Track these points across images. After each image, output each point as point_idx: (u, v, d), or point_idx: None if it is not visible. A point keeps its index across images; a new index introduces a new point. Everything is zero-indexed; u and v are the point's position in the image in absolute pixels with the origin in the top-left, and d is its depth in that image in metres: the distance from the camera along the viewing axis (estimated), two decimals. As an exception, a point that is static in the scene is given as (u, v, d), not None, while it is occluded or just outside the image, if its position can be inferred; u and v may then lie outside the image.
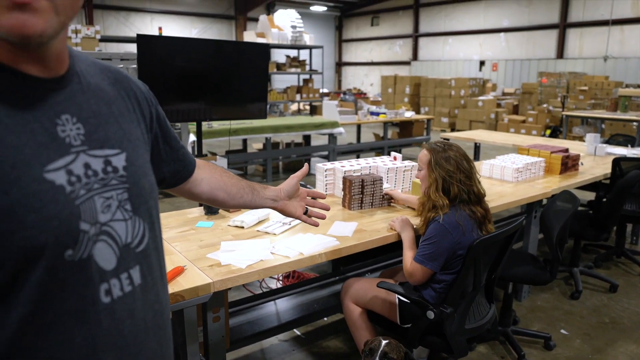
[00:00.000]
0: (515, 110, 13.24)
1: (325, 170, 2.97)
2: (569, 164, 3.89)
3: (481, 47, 17.48)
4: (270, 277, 3.60)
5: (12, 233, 0.65)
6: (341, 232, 2.30)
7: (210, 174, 1.22)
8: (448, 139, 6.56)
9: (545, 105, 12.40)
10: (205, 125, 6.63)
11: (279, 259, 1.98)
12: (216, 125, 6.66)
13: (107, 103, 0.83)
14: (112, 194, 0.77)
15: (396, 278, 2.46)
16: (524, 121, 12.13)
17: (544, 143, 4.75)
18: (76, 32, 7.27)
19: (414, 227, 2.32)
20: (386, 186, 2.96)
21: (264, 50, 4.18)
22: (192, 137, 6.07)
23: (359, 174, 2.93)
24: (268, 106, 13.86)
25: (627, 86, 12.60)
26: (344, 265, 3.39)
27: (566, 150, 3.99)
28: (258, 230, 2.32)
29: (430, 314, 2.04)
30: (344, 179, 2.71)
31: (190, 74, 3.85)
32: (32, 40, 0.67)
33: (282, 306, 2.87)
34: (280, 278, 3.63)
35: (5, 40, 0.66)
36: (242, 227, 2.35)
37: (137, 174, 0.83)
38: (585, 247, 4.49)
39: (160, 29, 10.56)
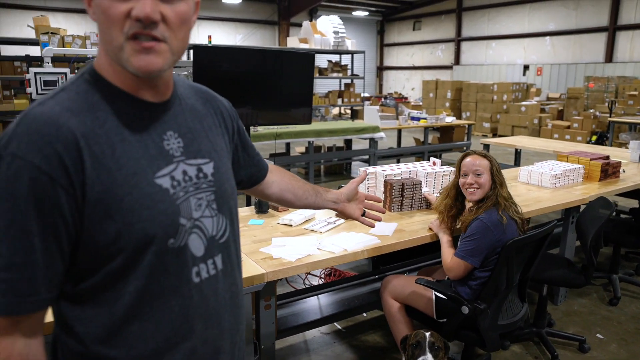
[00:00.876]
0: (560, 115, 13.01)
1: (368, 174, 3.14)
2: (609, 171, 3.92)
3: (525, 51, 17.22)
4: (312, 274, 3.80)
5: (133, 224, 0.87)
6: (382, 231, 2.47)
7: (280, 177, 1.41)
8: (488, 145, 6.61)
9: (591, 111, 12.13)
10: (251, 129, 6.91)
11: (325, 254, 2.17)
12: (262, 129, 6.93)
13: (199, 120, 1.04)
14: (202, 195, 0.98)
15: (433, 276, 2.61)
16: (568, 127, 11.91)
17: (585, 150, 4.77)
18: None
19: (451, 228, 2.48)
20: (425, 190, 3.11)
21: (310, 58, 4.40)
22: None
23: (400, 177, 3.09)
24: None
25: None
26: (384, 264, 3.55)
27: (607, 157, 4.02)
28: (305, 229, 2.52)
29: (465, 309, 2.18)
30: (385, 182, 2.88)
31: (239, 81, 4.10)
32: (153, 74, 0.89)
33: (324, 301, 3.06)
34: (322, 276, 3.82)
35: (132, 73, 0.88)
36: (290, 225, 2.55)
37: (221, 180, 1.03)
38: (627, 255, 4.49)
39: (209, 37, 10.97)
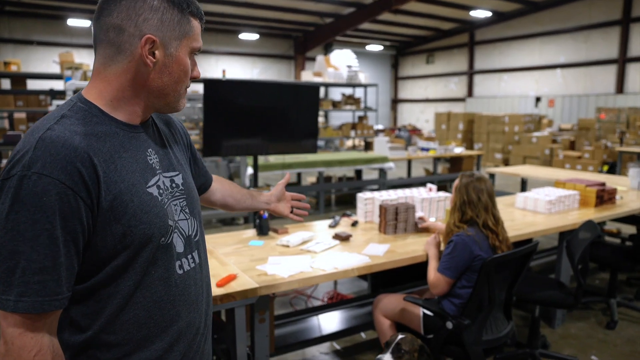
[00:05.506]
0: (572, 146, 13.06)
1: (365, 199, 3.31)
2: (605, 197, 4.02)
3: (537, 83, 17.39)
4: (314, 297, 3.93)
5: (137, 226, 1.05)
6: (374, 252, 2.63)
7: (221, 185, 1.62)
8: (493, 174, 6.72)
9: (603, 141, 12.18)
10: (262, 159, 7.16)
11: (316, 271, 2.32)
12: (272, 159, 7.17)
13: (166, 139, 1.24)
14: (177, 202, 1.17)
15: (423, 296, 2.74)
16: (579, 157, 11.95)
17: (587, 177, 4.87)
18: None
19: (440, 244, 2.62)
20: (420, 214, 3.26)
21: (314, 91, 4.64)
22: (250, 170, 6.60)
23: (396, 202, 3.25)
24: (324, 142, 14.44)
25: (692, 121, 12.17)
26: (383, 287, 3.67)
27: (603, 184, 4.13)
28: (302, 249, 2.68)
29: (449, 324, 2.31)
30: (380, 206, 3.04)
31: (248, 112, 4.34)
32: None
33: (324, 320, 3.19)
34: (325, 299, 3.95)
35: (170, 110, 1.19)
36: (288, 246, 2.72)
37: (189, 188, 1.23)
38: (629, 281, 4.53)
39: (224, 71, 11.38)
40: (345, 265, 2.40)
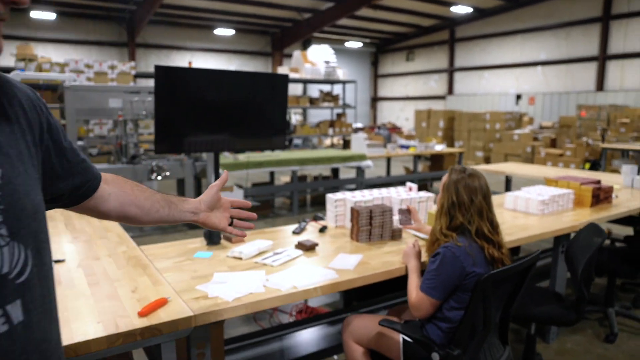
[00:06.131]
0: (553, 143, 12.83)
1: (335, 201, 2.87)
2: (601, 196, 3.66)
3: (518, 80, 17.20)
4: (282, 311, 3.48)
5: None
6: (343, 265, 2.19)
7: (119, 188, 1.13)
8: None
9: (584, 139, 11.98)
10: (231, 157, 6.68)
11: (270, 292, 1.87)
12: (242, 157, 6.69)
13: None
14: None
15: (403, 316, 2.31)
16: (561, 155, 11.73)
17: (576, 174, 4.51)
18: (112, 67, 7.54)
19: (421, 254, 2.19)
20: (397, 218, 2.83)
21: (283, 80, 4.19)
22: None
23: (370, 204, 2.82)
24: (301, 140, 13.99)
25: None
26: (358, 300, 3.24)
27: (598, 182, 3.76)
28: (256, 262, 2.23)
29: (436, 356, 1.88)
30: (352, 209, 2.61)
31: (208, 104, 3.87)
32: None
33: (288, 343, 2.75)
34: (294, 313, 3.50)
35: None
36: (240, 259, 2.26)
37: (15, 193, 0.73)
38: (623, 286, 4.18)
39: (190, 63, 10.84)
40: (306, 283, 1.95)
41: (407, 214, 2.65)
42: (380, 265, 2.22)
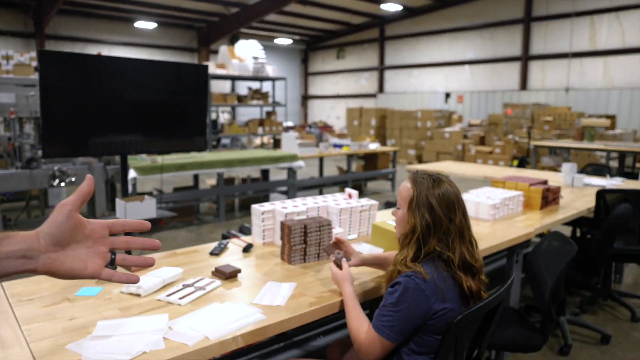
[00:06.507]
0: (482, 141, 13.04)
1: (262, 213, 2.39)
2: (550, 197, 3.43)
3: (446, 79, 17.45)
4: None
5: None
6: (272, 298, 1.72)
7: None
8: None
9: (511, 136, 12.23)
10: (148, 159, 6.01)
11: (173, 349, 1.37)
12: (161, 159, 6.03)
13: None
14: None
15: (347, 357, 1.87)
16: (491, 152, 11.89)
17: (519, 174, 4.31)
18: (7, 58, 6.61)
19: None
20: (338, 231, 2.40)
21: (202, 71, 3.64)
22: (133, 173, 5.43)
23: (304, 216, 2.37)
24: (229, 140, 13.34)
25: (589, 116, 12.58)
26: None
27: (545, 182, 3.53)
28: (158, 300, 1.71)
29: (392, 417, 1.46)
30: (282, 224, 2.14)
31: (115, 99, 3.27)
32: None
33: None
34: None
35: None
36: (139, 295, 1.73)
37: None
38: (568, 290, 4.01)
39: (99, 53, 9.90)
40: (223, 330, 1.47)
41: (335, 249, 1.91)
42: (317, 296, 1.77)
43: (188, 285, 1.80)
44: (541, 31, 14.99)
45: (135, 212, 3.25)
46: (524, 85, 15.35)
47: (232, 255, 2.23)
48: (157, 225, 6.33)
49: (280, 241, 2.17)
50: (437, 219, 1.54)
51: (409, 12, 17.71)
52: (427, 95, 17.81)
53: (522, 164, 11.35)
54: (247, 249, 2.27)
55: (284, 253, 2.14)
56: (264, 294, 1.75)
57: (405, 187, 1.65)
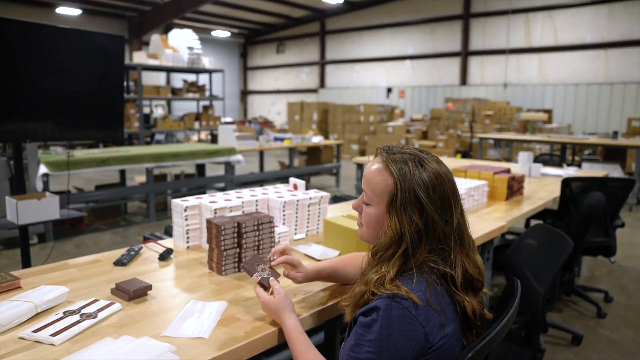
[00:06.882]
0: (425, 135, 12.96)
1: (185, 209, 1.87)
2: (515, 187, 3.11)
3: (388, 74, 17.34)
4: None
5: None
6: (192, 327, 1.22)
7: None
8: (361, 164, 5.67)
9: (453, 131, 12.21)
10: (63, 153, 5.28)
11: None
12: (80, 154, 5.33)
13: None
14: None
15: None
16: (434, 146, 11.81)
17: (480, 163, 4.01)
18: None
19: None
20: (282, 230, 1.93)
21: (117, 42, 3.06)
22: (44, 169, 4.71)
23: (240, 212, 1.88)
24: (164, 136, 12.52)
25: (528, 110, 12.80)
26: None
27: (508, 170, 3.23)
28: (21, 338, 1.17)
29: None
30: (209, 222, 1.64)
31: (7, 77, 2.63)
32: None
33: None
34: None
35: None
36: (-7, 330, 1.19)
37: None
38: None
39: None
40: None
41: (258, 264, 1.36)
42: (257, 319, 1.29)
43: (71, 313, 1.27)
44: (480, 27, 15.14)
45: (31, 212, 2.63)
46: (464, 80, 15.47)
47: (145, 265, 1.71)
48: (76, 227, 5.60)
49: (207, 244, 1.67)
50: (430, 222, 1.08)
51: (350, 6, 17.46)
52: (369, 90, 17.64)
53: (466, 157, 11.33)
54: (165, 256, 1.75)
55: (212, 260, 1.64)
56: (181, 321, 1.26)
57: (377, 173, 1.15)
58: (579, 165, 7.52)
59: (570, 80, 13.64)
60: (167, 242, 1.96)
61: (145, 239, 2.27)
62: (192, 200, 1.92)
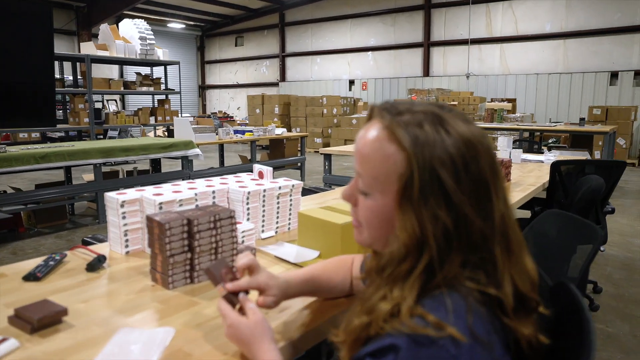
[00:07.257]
0: (390, 127, 12.77)
1: (121, 204, 1.47)
2: (503, 172, 2.82)
3: (350, 66, 17.06)
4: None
5: None
6: (133, 356, 0.84)
7: None
8: (329, 154, 5.31)
9: (418, 122, 12.06)
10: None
11: None
12: (15, 149, 4.77)
13: None
14: None
15: None
16: (400, 138, 11.62)
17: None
18: None
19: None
20: (246, 227, 1.55)
21: (43, 15, 2.59)
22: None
23: (192, 206, 1.49)
24: (117, 132, 11.84)
25: (492, 100, 12.76)
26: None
27: (494, 155, 2.93)
28: None
29: None
30: (150, 220, 1.25)
31: None
32: None
33: None
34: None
35: None
36: None
37: None
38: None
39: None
40: None
41: (227, 270, 0.97)
42: (215, 349, 0.92)
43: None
44: (441, 18, 15.04)
45: (-62, 215, 2.15)
46: (426, 71, 15.34)
47: (67, 280, 1.30)
48: (14, 232, 5.04)
49: (149, 248, 1.28)
50: (462, 220, 0.72)
51: (309, -3, 17.08)
52: (332, 83, 17.32)
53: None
54: (95, 265, 1.35)
55: (155, 270, 1.25)
56: (111, 355, 0.87)
57: (377, 145, 0.77)
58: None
59: (531, 69, 13.70)
60: (101, 247, 1.56)
61: (85, 243, 1.85)
62: (131, 192, 1.51)
